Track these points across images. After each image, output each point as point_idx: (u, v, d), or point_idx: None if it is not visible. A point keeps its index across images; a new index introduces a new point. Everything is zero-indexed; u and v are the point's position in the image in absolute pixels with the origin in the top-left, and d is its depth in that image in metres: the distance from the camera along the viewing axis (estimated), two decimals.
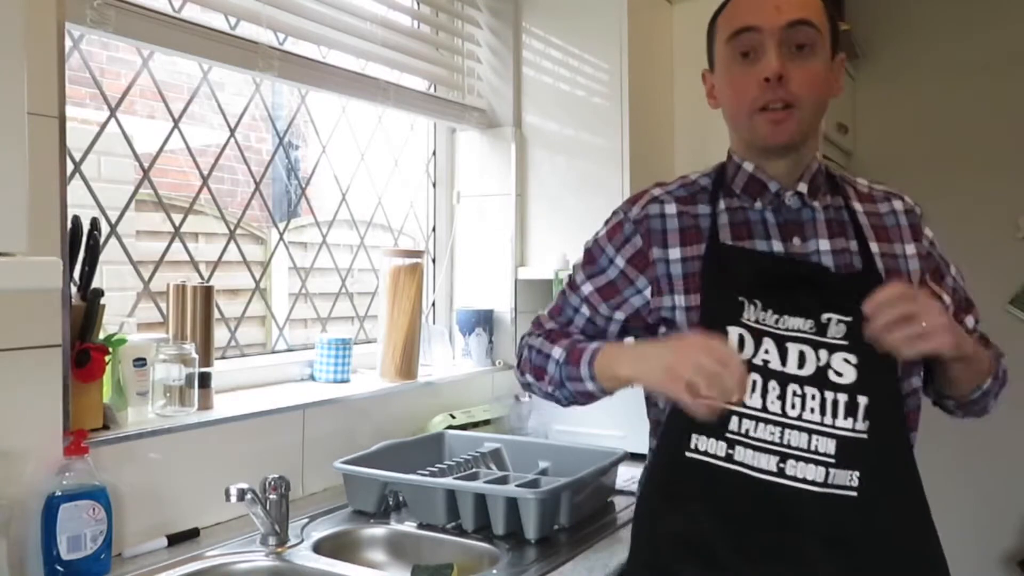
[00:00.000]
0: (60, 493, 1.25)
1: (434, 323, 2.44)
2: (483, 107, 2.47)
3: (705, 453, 1.13)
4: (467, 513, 1.51)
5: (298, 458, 1.73)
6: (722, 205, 1.26)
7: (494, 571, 1.36)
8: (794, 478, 1.11)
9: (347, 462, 1.64)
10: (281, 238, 2.04)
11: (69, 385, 1.31)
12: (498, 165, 2.44)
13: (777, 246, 1.21)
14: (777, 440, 1.12)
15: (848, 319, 1.14)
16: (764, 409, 1.12)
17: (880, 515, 1.11)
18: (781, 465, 1.11)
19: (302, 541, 1.46)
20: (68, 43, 1.41)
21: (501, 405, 2.24)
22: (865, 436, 1.12)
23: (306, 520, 1.57)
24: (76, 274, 1.36)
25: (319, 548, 1.45)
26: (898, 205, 1.29)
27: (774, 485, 1.11)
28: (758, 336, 1.15)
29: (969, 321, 1.30)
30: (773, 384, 1.12)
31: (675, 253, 1.24)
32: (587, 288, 1.33)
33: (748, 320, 1.15)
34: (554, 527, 1.52)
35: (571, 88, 2.37)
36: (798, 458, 1.11)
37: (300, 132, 2.16)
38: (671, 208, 1.28)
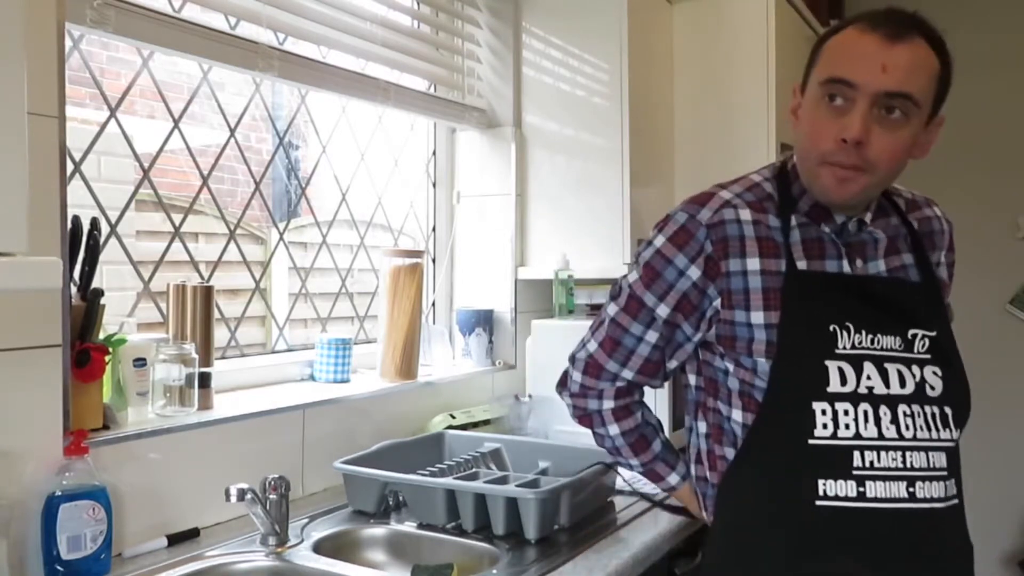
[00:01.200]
0: (60, 493, 1.24)
1: (434, 323, 2.44)
2: (483, 107, 2.47)
3: (836, 498, 1.09)
4: (467, 513, 1.50)
5: (298, 458, 1.73)
6: (793, 221, 1.20)
7: (494, 571, 1.36)
8: (924, 499, 1.09)
9: (347, 462, 1.64)
10: (281, 238, 2.04)
11: (69, 385, 1.30)
12: (498, 165, 2.44)
13: (845, 267, 1.19)
14: (901, 465, 1.09)
15: (932, 333, 1.15)
16: (881, 436, 1.10)
17: (963, 517, 1.15)
18: (911, 489, 1.09)
19: (302, 541, 1.46)
20: (68, 43, 1.41)
21: (501, 405, 2.24)
22: (954, 444, 1.14)
23: (306, 520, 1.57)
24: (76, 274, 1.36)
25: (319, 548, 1.45)
26: (937, 211, 1.31)
27: (908, 512, 1.09)
28: (858, 363, 1.12)
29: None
30: (884, 409, 1.10)
31: (754, 264, 1.17)
32: (663, 310, 1.22)
33: (844, 349, 1.12)
34: (554, 527, 1.52)
35: (571, 88, 2.36)
36: (924, 478, 1.10)
37: (300, 132, 2.16)
38: (746, 214, 1.19)
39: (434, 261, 2.50)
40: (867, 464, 1.09)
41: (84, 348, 1.33)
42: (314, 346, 2.02)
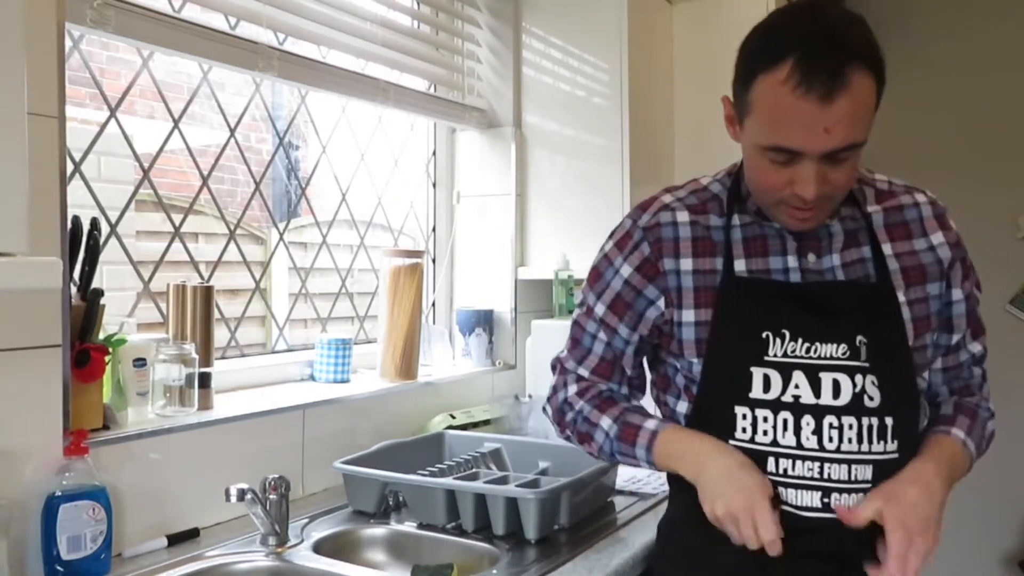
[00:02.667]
0: (60, 493, 1.24)
1: (434, 323, 2.44)
2: (483, 107, 2.47)
3: None
4: (467, 513, 1.51)
5: (298, 458, 1.73)
6: (736, 220, 1.21)
7: (494, 571, 1.36)
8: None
9: (347, 462, 1.64)
10: (281, 238, 2.04)
11: (69, 385, 1.31)
12: (498, 165, 2.44)
13: (792, 262, 1.17)
14: (818, 475, 1.10)
15: (875, 339, 1.13)
16: (800, 446, 1.11)
17: None
18: (825, 500, 1.10)
19: (302, 541, 1.46)
20: (68, 43, 1.41)
21: (501, 405, 2.24)
22: (896, 455, 1.13)
23: (306, 520, 1.57)
24: (76, 274, 1.36)
25: (319, 548, 1.45)
26: (920, 197, 1.25)
27: (822, 520, 1.10)
28: (787, 371, 1.12)
29: (976, 348, 1.28)
30: (807, 419, 1.11)
31: (687, 264, 1.20)
32: (600, 309, 1.27)
33: (775, 356, 1.13)
34: (554, 527, 1.52)
35: (571, 88, 2.37)
36: (841, 490, 1.10)
37: (300, 132, 2.16)
38: (683, 216, 1.22)
39: (434, 261, 2.50)
40: (781, 471, 1.11)
41: (84, 348, 1.33)
42: (314, 346, 2.02)
